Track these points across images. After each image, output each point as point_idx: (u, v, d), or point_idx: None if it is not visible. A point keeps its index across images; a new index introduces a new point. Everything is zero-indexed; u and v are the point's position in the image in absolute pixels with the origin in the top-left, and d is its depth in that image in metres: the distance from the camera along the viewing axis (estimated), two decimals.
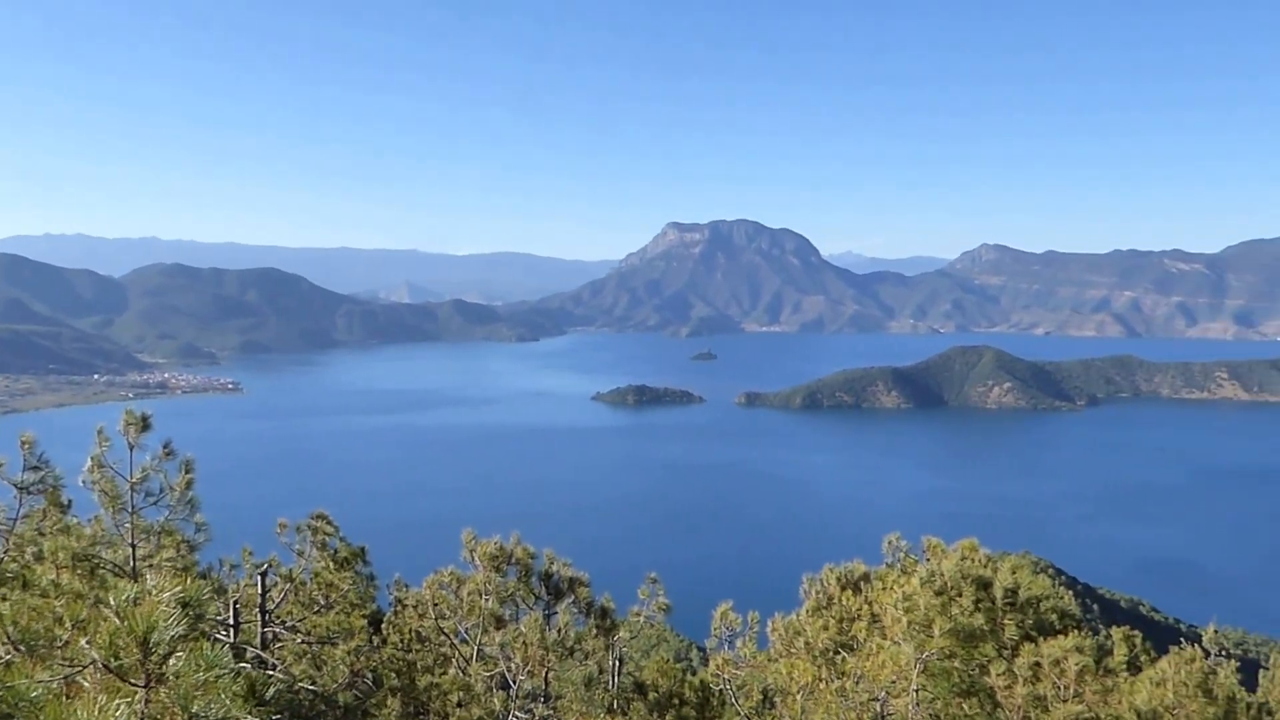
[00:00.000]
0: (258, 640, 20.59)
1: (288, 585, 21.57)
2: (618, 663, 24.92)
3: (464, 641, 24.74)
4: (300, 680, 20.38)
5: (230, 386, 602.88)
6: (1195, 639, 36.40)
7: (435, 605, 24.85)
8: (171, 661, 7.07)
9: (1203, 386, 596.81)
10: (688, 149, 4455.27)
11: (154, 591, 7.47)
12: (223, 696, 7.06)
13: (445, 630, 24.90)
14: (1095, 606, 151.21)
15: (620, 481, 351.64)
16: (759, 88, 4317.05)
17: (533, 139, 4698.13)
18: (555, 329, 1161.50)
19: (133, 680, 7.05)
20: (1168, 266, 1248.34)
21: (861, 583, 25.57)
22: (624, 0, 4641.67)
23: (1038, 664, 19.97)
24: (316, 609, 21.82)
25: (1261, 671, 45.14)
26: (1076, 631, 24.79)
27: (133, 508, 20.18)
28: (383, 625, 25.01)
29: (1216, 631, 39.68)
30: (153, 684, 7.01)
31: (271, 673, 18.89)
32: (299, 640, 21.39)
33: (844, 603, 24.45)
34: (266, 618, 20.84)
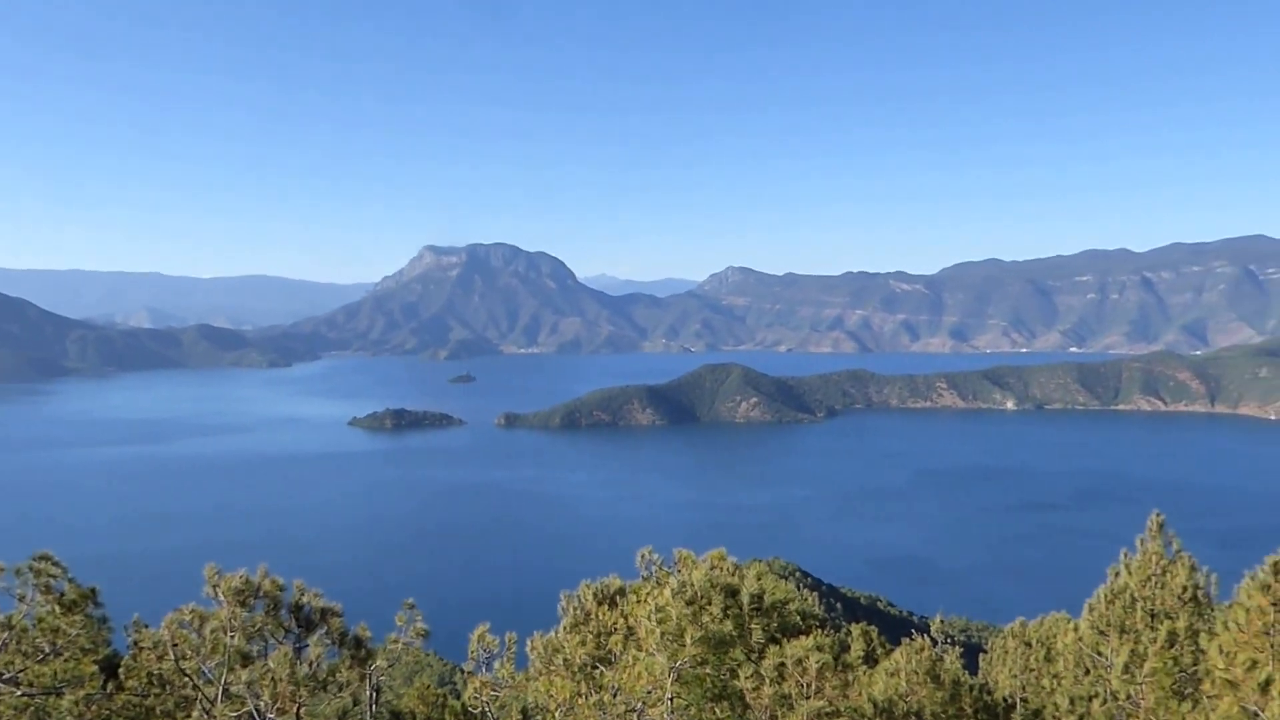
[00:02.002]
0: None
1: (6, 633, 19.72)
2: (374, 693, 24.25)
3: (208, 682, 23.35)
4: None
5: None
6: (925, 629, 39.48)
7: (175, 645, 23.31)
8: None
9: (926, 396, 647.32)
10: (444, 173, 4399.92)
11: None
12: None
13: (187, 671, 23.40)
14: (838, 605, 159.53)
15: (378, 506, 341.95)
16: (512, 114, 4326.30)
17: (278, 161, 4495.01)
18: (309, 354, 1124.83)
19: None
20: (893, 287, 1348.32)
21: (617, 597, 25.78)
22: (367, 25, 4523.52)
23: (782, 664, 20.95)
24: (40, 657, 20.05)
25: (982, 655, 49.44)
26: (819, 631, 26.19)
27: None
28: (120, 670, 23.22)
29: (943, 621, 43.10)
30: None
31: None
32: (19, 694, 19.59)
33: (600, 618, 24.59)
34: None
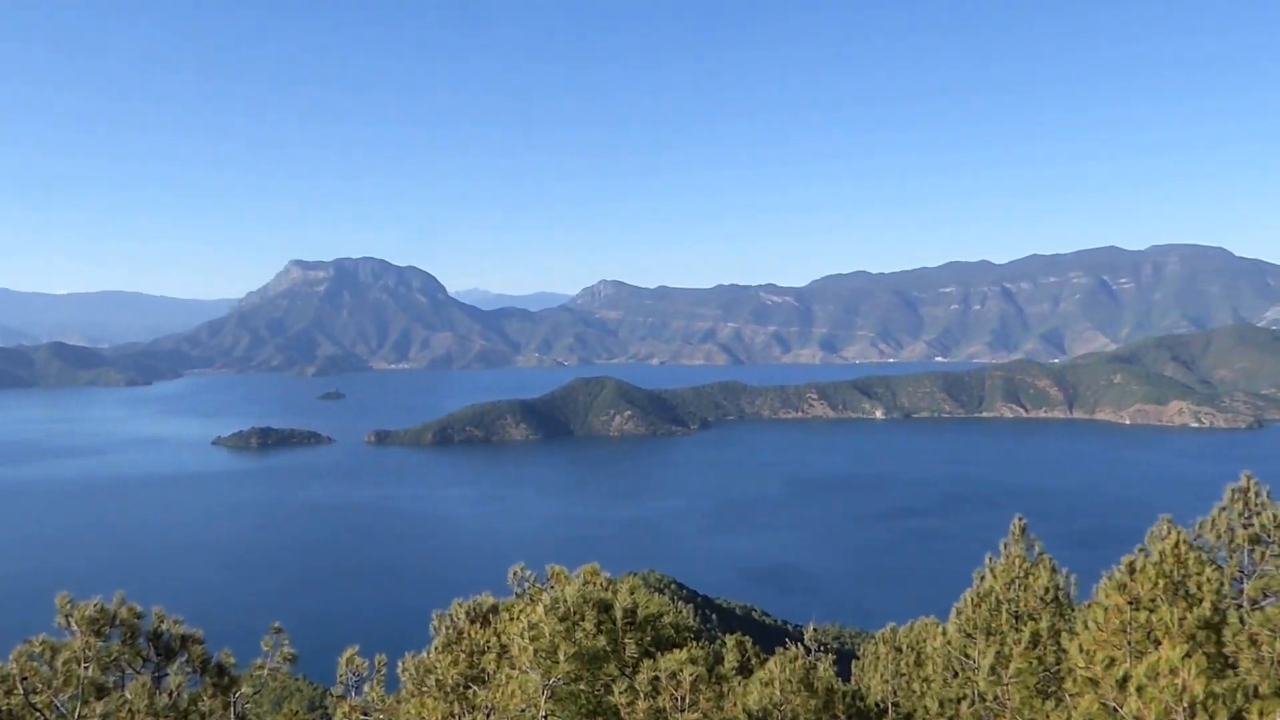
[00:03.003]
0: None
1: None
2: None
3: (61, 716, 21.76)
4: None
5: None
6: (799, 638, 39.90)
7: (24, 679, 21.63)
8: None
9: (797, 407, 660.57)
10: (310, 186, 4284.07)
11: None
12: None
13: (38, 706, 21.74)
14: (713, 616, 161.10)
15: (242, 527, 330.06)
16: (379, 127, 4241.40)
17: (136, 173, 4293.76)
18: (170, 372, 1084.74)
19: None
20: (764, 299, 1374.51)
21: (490, 615, 25.42)
22: (227, 37, 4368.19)
23: (656, 678, 20.69)
24: None
25: (854, 662, 50.29)
26: (693, 643, 26.04)
27: None
28: None
29: (815, 629, 43.64)
30: None
31: None
32: None
33: (473, 636, 24.21)
34: None
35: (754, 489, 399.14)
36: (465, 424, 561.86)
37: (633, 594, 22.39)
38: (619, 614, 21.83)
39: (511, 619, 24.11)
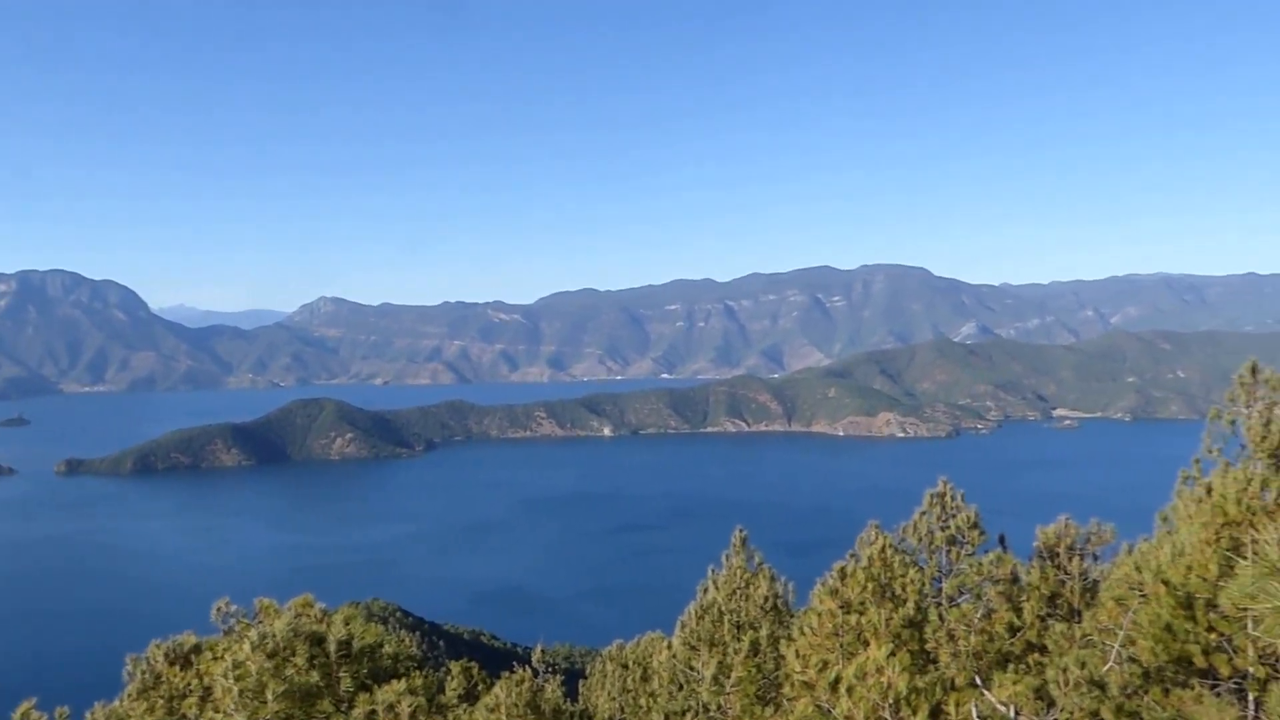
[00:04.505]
0: None
1: None
2: None
3: None
4: None
5: None
6: (528, 660, 39.34)
7: None
8: None
9: (525, 426, 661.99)
10: None
11: None
12: None
13: None
14: (441, 643, 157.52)
15: None
16: (68, 144, 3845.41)
17: None
18: None
19: None
20: (491, 317, 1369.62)
21: (192, 655, 23.57)
22: None
23: (373, 712, 19.66)
24: None
25: (582, 681, 50.37)
26: (416, 673, 24.94)
27: None
28: None
29: (544, 650, 43.26)
30: None
31: None
32: None
33: (172, 680, 22.47)
34: None
35: (482, 510, 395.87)
36: (170, 450, 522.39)
37: (348, 625, 21.07)
38: (333, 647, 20.48)
39: (215, 658, 22.43)
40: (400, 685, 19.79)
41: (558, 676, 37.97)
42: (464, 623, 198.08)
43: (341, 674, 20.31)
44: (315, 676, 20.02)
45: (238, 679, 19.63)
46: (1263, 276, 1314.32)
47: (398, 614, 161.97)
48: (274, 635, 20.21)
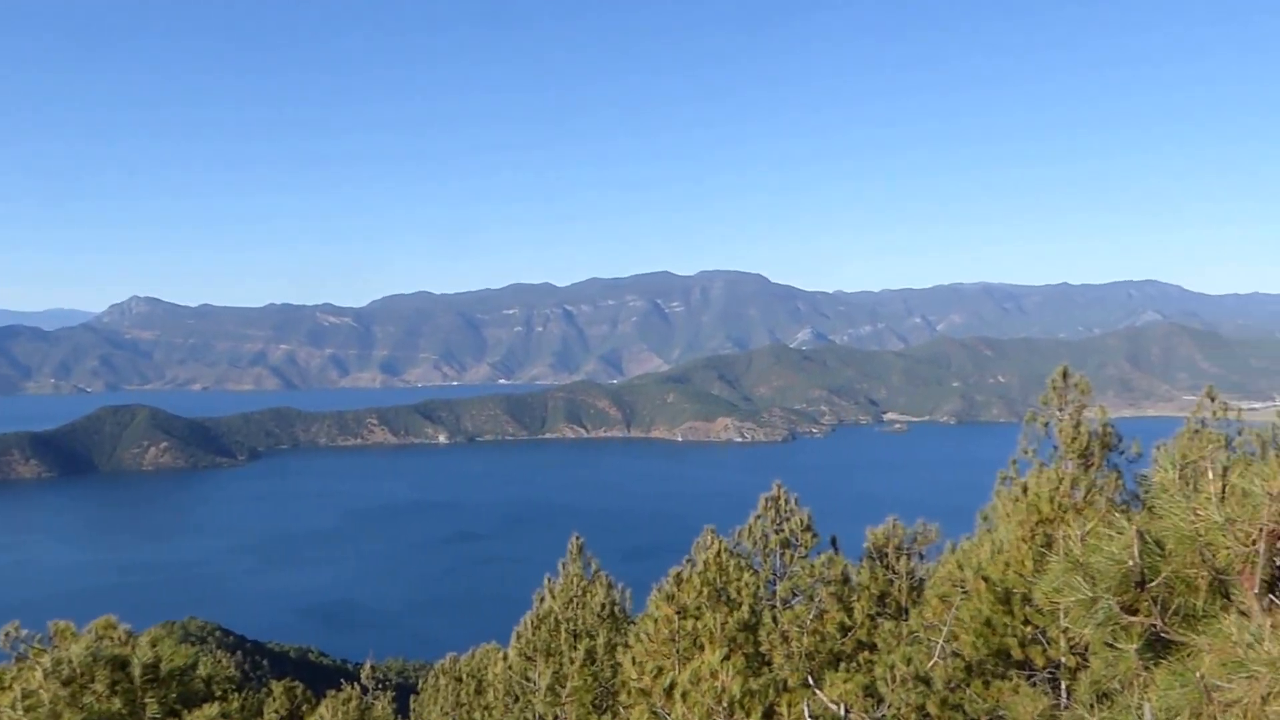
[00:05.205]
0: None
1: None
2: None
3: None
4: None
5: None
6: (356, 677, 38.08)
7: None
8: None
9: (356, 433, 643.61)
10: None
11: None
12: None
13: None
14: (264, 662, 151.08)
15: None
16: None
17: None
18: None
19: None
20: (320, 320, 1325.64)
21: None
22: None
23: None
24: None
25: (413, 697, 49.11)
26: (234, 695, 23.59)
27: None
28: None
29: (373, 666, 42.01)
30: None
31: None
32: None
33: None
34: None
35: (310, 521, 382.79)
36: None
37: (155, 647, 19.63)
38: (138, 671, 19.03)
39: (3, 688, 20.63)
40: (213, 709, 18.59)
41: (388, 693, 36.94)
42: (290, 640, 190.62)
43: (147, 700, 18.88)
44: (117, 704, 18.57)
45: (28, 709, 18.28)
46: (1074, 287, 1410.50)
47: (217, 633, 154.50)
48: (70, 661, 18.66)
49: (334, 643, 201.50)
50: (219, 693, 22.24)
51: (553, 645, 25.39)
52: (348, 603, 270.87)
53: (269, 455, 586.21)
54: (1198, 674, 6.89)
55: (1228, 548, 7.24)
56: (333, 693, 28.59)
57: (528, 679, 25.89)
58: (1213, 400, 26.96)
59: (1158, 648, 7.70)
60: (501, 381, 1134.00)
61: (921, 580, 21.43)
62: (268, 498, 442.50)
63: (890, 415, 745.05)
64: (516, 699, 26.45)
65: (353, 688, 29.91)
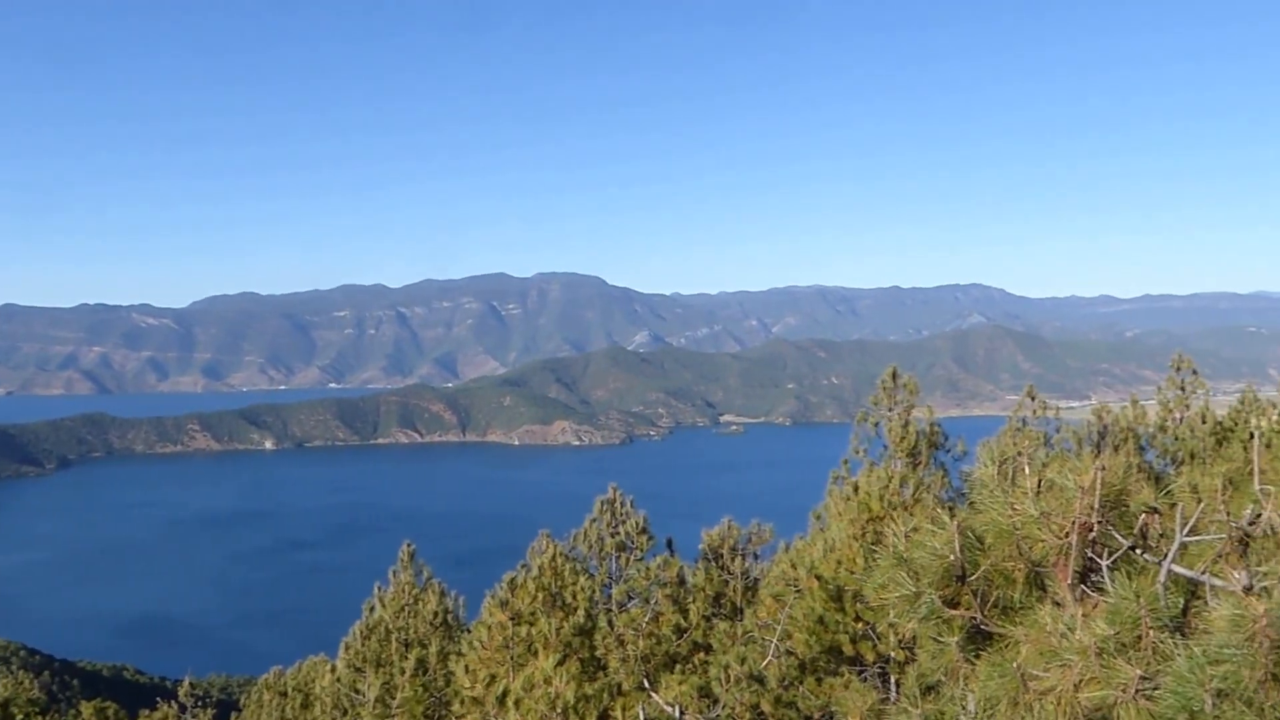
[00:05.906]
0: None
1: None
2: None
3: None
4: None
5: None
6: (174, 695, 36.10)
7: None
8: None
9: (176, 440, 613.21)
10: None
11: None
12: None
13: None
14: (75, 683, 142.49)
15: None
16: None
17: None
18: None
19: None
20: (137, 321, 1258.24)
21: None
22: None
23: None
24: None
25: (235, 714, 46.93)
26: (41, 718, 22.09)
27: None
28: None
29: (193, 683, 39.89)
30: None
31: None
32: None
33: None
34: None
35: (125, 533, 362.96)
36: None
37: None
38: None
39: None
40: None
41: (208, 710, 35.12)
42: (103, 658, 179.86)
43: None
44: None
45: None
46: (905, 290, 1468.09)
47: (21, 653, 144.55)
48: None
49: (152, 660, 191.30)
50: (20, 716, 20.65)
51: (383, 655, 24.64)
52: (166, 617, 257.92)
53: (81, 464, 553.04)
54: (1015, 664, 7.07)
55: (1043, 540, 7.47)
56: (146, 712, 26.95)
57: (356, 691, 25.03)
58: (1033, 399, 28.55)
59: (979, 640, 7.89)
60: (332, 385, 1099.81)
61: (756, 580, 21.78)
62: (79, 508, 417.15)
63: (727, 417, 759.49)
64: (345, 712, 25.54)
65: (169, 706, 28.29)
